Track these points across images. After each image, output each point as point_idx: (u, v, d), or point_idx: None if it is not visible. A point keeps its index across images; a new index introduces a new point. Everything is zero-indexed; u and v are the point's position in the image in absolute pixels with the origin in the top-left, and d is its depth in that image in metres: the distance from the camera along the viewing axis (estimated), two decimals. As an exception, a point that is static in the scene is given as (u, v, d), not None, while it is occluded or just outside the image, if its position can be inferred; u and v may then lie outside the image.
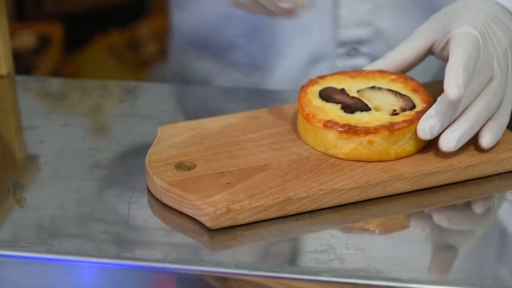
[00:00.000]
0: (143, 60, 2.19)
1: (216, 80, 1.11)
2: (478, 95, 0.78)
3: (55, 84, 1.05)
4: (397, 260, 0.70)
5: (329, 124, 0.78)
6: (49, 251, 0.70)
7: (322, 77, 0.86)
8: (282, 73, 1.06)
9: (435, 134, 0.77)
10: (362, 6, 1.02)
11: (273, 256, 0.71)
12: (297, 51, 1.04)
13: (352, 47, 1.03)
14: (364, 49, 1.03)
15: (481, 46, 0.78)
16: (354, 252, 0.70)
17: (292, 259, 0.71)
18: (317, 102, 0.82)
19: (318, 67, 1.05)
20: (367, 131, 0.77)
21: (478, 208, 0.77)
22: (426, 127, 0.76)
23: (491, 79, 0.78)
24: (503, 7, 0.83)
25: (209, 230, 0.72)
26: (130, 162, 0.82)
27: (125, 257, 0.69)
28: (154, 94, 0.98)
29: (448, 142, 0.76)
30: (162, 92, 0.99)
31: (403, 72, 0.86)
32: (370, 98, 0.82)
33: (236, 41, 1.06)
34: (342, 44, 1.03)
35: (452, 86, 0.74)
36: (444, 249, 0.73)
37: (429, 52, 0.85)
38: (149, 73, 2.15)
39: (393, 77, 0.85)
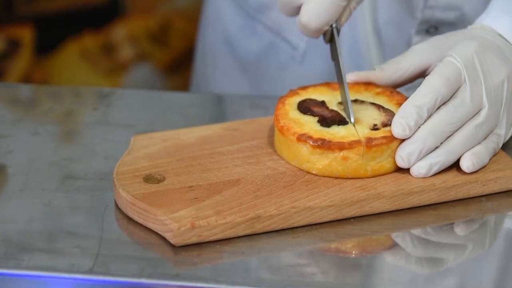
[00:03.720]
0: (118, 65, 2.18)
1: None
2: (464, 124, 0.77)
3: (25, 90, 1.04)
4: (383, 274, 0.70)
5: (303, 138, 0.76)
6: (18, 267, 0.69)
7: (303, 88, 0.84)
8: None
9: (412, 162, 0.76)
10: None
11: (254, 270, 0.70)
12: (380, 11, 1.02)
13: (433, 25, 1.02)
14: (444, 29, 1.01)
15: (466, 77, 0.78)
16: (337, 267, 0.70)
17: (274, 272, 0.70)
18: (294, 114, 0.80)
19: (390, 31, 1.03)
20: (341, 146, 0.76)
21: (462, 231, 0.76)
22: (404, 154, 0.76)
23: (478, 111, 0.78)
24: (506, 39, 0.83)
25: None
26: (104, 173, 0.81)
27: (99, 272, 0.68)
28: (129, 101, 0.97)
29: (419, 168, 0.76)
30: (137, 99, 0.98)
31: (394, 87, 0.84)
32: None
33: None
34: (424, 22, 1.02)
35: (397, 125, 0.76)
36: (432, 263, 0.72)
37: (423, 74, 0.84)
38: (125, 78, 2.15)
39: (378, 90, 0.83)
